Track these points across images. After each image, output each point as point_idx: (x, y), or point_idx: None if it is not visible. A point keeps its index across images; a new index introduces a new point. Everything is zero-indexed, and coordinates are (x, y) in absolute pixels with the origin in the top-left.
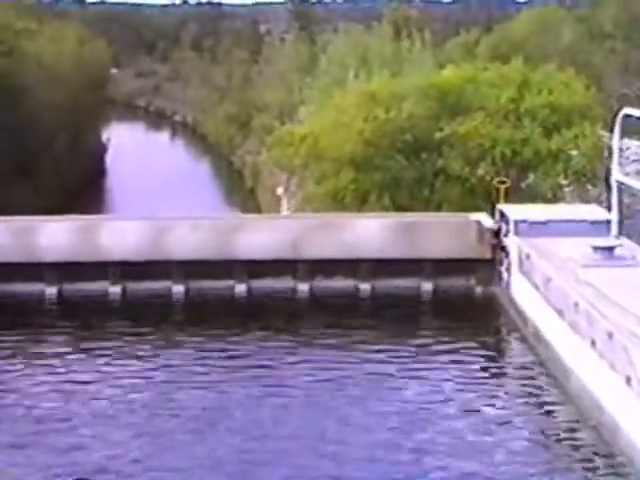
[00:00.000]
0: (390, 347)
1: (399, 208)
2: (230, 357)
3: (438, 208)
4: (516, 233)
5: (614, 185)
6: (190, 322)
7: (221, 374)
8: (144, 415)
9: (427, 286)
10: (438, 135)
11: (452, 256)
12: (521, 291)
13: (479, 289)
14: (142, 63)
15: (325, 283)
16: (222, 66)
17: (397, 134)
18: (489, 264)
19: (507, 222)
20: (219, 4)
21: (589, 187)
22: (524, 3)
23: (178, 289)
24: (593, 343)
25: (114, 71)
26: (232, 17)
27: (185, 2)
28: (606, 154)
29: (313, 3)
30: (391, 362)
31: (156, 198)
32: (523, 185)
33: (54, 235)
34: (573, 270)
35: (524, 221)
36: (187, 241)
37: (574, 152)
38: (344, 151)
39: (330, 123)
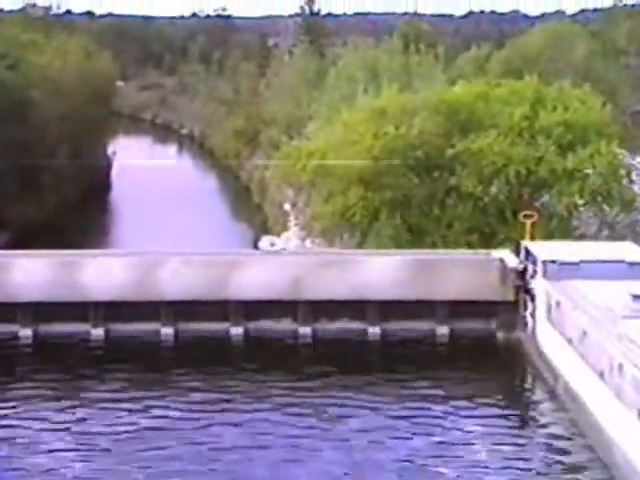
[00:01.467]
0: (396, 404)
1: (410, 227)
2: (222, 410)
3: (449, 227)
4: (544, 275)
5: None
6: (179, 368)
7: (206, 430)
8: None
9: (442, 330)
10: (450, 152)
11: (471, 297)
12: (550, 342)
13: (500, 334)
14: (149, 76)
15: (329, 326)
16: (230, 79)
17: (407, 151)
18: (512, 307)
19: (534, 262)
20: (228, 16)
21: (605, 207)
22: (536, 18)
23: (167, 332)
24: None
25: (120, 84)
26: (240, 30)
27: (194, 14)
28: (622, 172)
29: (323, 16)
30: (393, 428)
31: (161, 214)
32: (537, 204)
33: (31, 272)
34: (612, 323)
35: (553, 262)
36: (177, 279)
37: (589, 171)
38: (353, 168)
39: (338, 139)
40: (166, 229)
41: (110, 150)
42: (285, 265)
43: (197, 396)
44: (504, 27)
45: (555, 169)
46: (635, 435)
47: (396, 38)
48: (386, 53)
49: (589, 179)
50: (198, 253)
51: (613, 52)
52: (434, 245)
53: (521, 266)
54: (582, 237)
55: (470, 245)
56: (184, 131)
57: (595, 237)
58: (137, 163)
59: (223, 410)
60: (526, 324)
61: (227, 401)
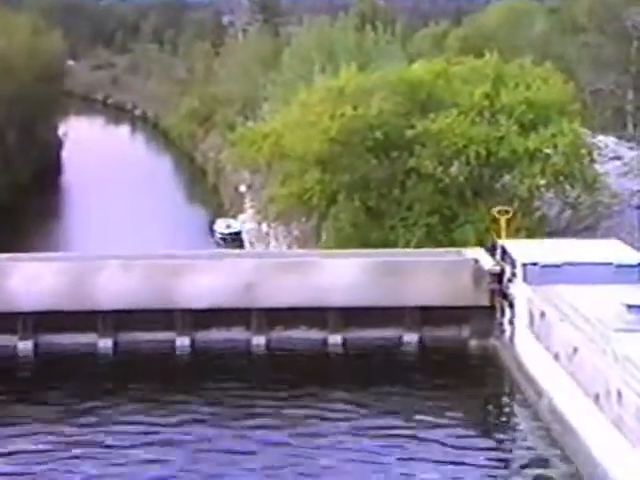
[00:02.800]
0: (359, 422)
1: (369, 209)
2: (159, 433)
3: (409, 209)
4: (525, 279)
5: None
6: (118, 383)
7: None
8: None
9: (410, 338)
10: (409, 133)
11: (441, 303)
12: (533, 355)
13: (474, 342)
14: (101, 55)
15: (285, 335)
16: (184, 58)
17: (366, 132)
18: (487, 313)
19: (512, 263)
20: None
21: (567, 187)
22: None
23: (105, 343)
24: None
25: (71, 63)
26: (194, 7)
27: None
28: (584, 152)
29: None
30: (354, 449)
31: (114, 196)
32: (498, 185)
33: None
34: (606, 338)
35: (534, 264)
36: (116, 286)
37: (550, 151)
38: (310, 150)
39: (295, 120)
40: (118, 212)
41: (61, 131)
42: (236, 269)
43: (139, 418)
44: (461, 3)
45: (516, 149)
46: (636, 470)
47: (352, 16)
48: (342, 31)
49: (551, 159)
50: (140, 256)
51: (572, 29)
52: (393, 228)
53: (497, 268)
54: (543, 218)
55: (430, 227)
56: (137, 111)
57: (557, 218)
58: (89, 144)
59: (147, 433)
60: (503, 331)
61: (163, 426)
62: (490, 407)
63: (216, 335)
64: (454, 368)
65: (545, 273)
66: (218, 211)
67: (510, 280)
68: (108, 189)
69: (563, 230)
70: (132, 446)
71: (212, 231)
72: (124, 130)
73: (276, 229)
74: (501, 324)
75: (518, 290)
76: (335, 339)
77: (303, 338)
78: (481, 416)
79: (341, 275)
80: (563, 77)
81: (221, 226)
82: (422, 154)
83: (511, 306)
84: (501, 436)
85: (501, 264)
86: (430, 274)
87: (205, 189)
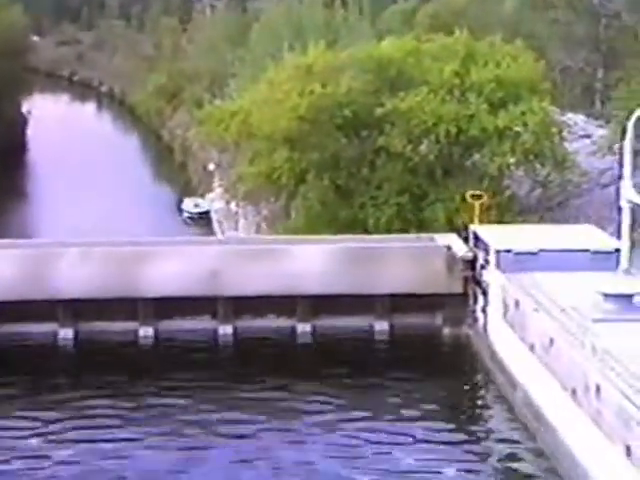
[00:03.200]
0: (328, 416)
1: (338, 188)
2: (121, 427)
3: (378, 188)
4: (498, 266)
5: (626, 207)
6: (79, 376)
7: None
8: None
9: (381, 326)
10: (379, 111)
11: (413, 290)
12: (507, 345)
13: (447, 330)
14: (66, 31)
15: (253, 324)
16: (150, 34)
17: (335, 110)
18: (460, 301)
19: (486, 249)
20: None
21: (537, 166)
22: None
23: (65, 334)
24: (628, 450)
25: (35, 39)
26: None
27: None
28: (554, 130)
29: None
30: (323, 443)
31: (80, 175)
32: (468, 164)
33: None
34: (583, 328)
35: (508, 251)
36: (75, 274)
37: (520, 129)
38: (278, 128)
39: (263, 98)
40: (84, 191)
41: (25, 108)
42: (201, 257)
43: (102, 412)
44: None
45: (486, 127)
46: (622, 476)
47: None
48: (310, 8)
49: (521, 137)
50: (100, 243)
51: (542, 6)
52: (363, 207)
53: (470, 254)
54: (513, 197)
55: (400, 206)
56: (104, 88)
57: (527, 197)
58: (55, 122)
59: (109, 426)
60: (476, 319)
61: (127, 420)
62: (463, 398)
63: (180, 325)
64: (426, 357)
65: (519, 260)
66: (186, 190)
67: (483, 267)
68: (74, 167)
69: (533, 208)
70: (92, 441)
71: (180, 210)
72: (90, 107)
73: (245, 208)
74: (474, 312)
75: (491, 277)
76: (304, 327)
77: (271, 327)
78: (454, 408)
79: (310, 262)
80: (533, 55)
81: (189, 205)
82: (391, 133)
83: (484, 294)
84: (475, 429)
85: (474, 250)
86: (401, 261)
87: (173, 167)
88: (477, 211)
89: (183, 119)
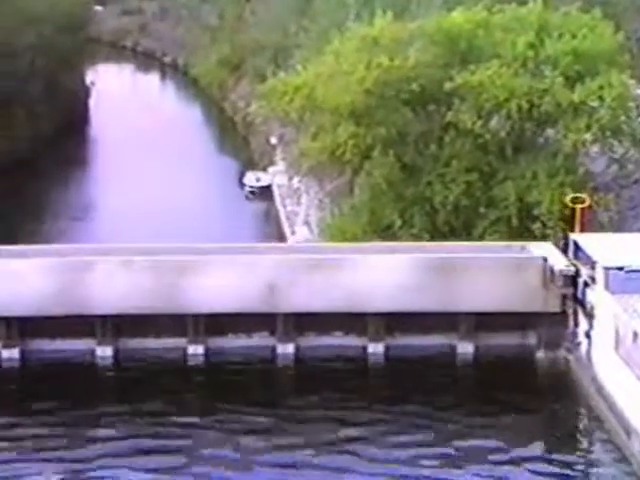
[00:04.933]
0: (404, 452)
1: (404, 165)
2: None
3: (446, 165)
4: (607, 286)
5: None
6: (118, 401)
7: None
8: None
9: (465, 347)
10: (448, 85)
11: (503, 308)
12: (618, 380)
13: (541, 354)
14: (129, 0)
15: (317, 342)
16: (214, 4)
17: (402, 84)
18: (557, 320)
19: (591, 264)
20: None
21: (614, 143)
22: None
23: (104, 352)
24: None
25: (98, 9)
26: None
27: None
28: (632, 105)
29: None
30: None
31: (142, 147)
32: (540, 140)
33: None
34: None
35: (620, 269)
36: (115, 286)
37: (595, 104)
38: (343, 102)
39: (328, 71)
40: (146, 163)
41: (88, 80)
42: (258, 268)
43: (138, 443)
44: None
45: (561, 103)
46: None
47: None
48: None
49: (597, 113)
50: (144, 251)
51: None
52: (430, 184)
53: (571, 269)
54: (588, 174)
55: (468, 184)
56: (167, 59)
57: (602, 174)
58: (117, 93)
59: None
60: (577, 344)
61: (177, 451)
62: (563, 437)
63: (235, 342)
64: (517, 384)
65: (633, 279)
66: (248, 163)
67: (587, 285)
68: (136, 140)
69: (608, 186)
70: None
71: (242, 184)
72: (153, 78)
73: (307, 184)
74: (574, 335)
75: (599, 298)
76: (376, 347)
77: (337, 346)
78: (552, 448)
79: (383, 274)
80: (611, 25)
81: (251, 179)
82: (461, 108)
83: (589, 316)
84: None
85: (575, 264)
86: (489, 273)
87: (235, 140)
88: (578, 217)
89: (246, 91)
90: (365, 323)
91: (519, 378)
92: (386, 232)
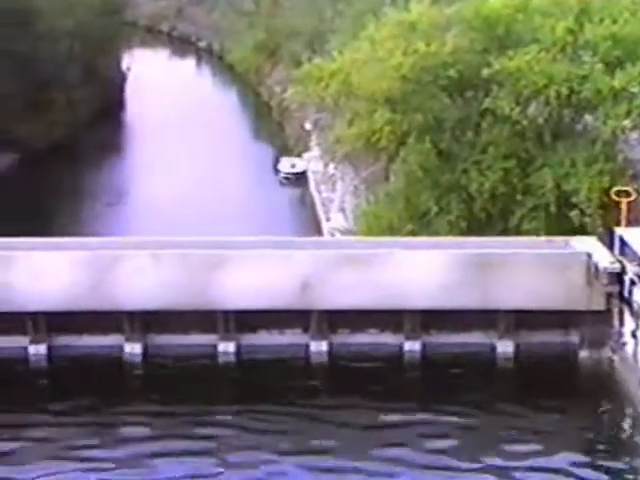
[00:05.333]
0: (444, 459)
1: (441, 152)
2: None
3: (483, 152)
4: None
5: None
6: (145, 397)
7: None
8: None
9: (505, 346)
10: (485, 71)
11: (544, 306)
12: None
13: (584, 353)
14: None
15: (351, 340)
16: None
17: (439, 70)
18: (601, 319)
19: (638, 261)
20: None
21: None
22: None
23: (133, 348)
24: None
25: None
26: None
27: None
28: None
29: None
30: None
31: (178, 132)
32: (579, 127)
33: None
34: None
35: None
36: (143, 281)
37: (636, 90)
38: (379, 88)
39: (364, 57)
40: (181, 149)
41: (124, 65)
42: (290, 263)
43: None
44: None
45: (600, 89)
46: None
47: None
48: None
49: (637, 99)
50: (173, 244)
51: None
52: (466, 172)
53: (617, 266)
54: (627, 162)
55: (506, 171)
56: (202, 44)
57: None
58: (153, 78)
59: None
60: (623, 344)
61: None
62: (608, 442)
63: (267, 339)
64: (559, 384)
65: None
66: (283, 149)
67: (634, 283)
68: (172, 125)
69: None
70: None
71: (276, 170)
72: (189, 63)
73: (342, 170)
74: (620, 335)
75: None
76: (412, 345)
77: (373, 344)
78: (596, 454)
79: (420, 270)
80: None
81: (285, 165)
82: (499, 94)
83: (635, 315)
84: None
85: (621, 260)
86: (530, 270)
87: (270, 126)
88: (624, 211)
89: (281, 76)
90: (401, 320)
91: (561, 378)
92: (422, 219)
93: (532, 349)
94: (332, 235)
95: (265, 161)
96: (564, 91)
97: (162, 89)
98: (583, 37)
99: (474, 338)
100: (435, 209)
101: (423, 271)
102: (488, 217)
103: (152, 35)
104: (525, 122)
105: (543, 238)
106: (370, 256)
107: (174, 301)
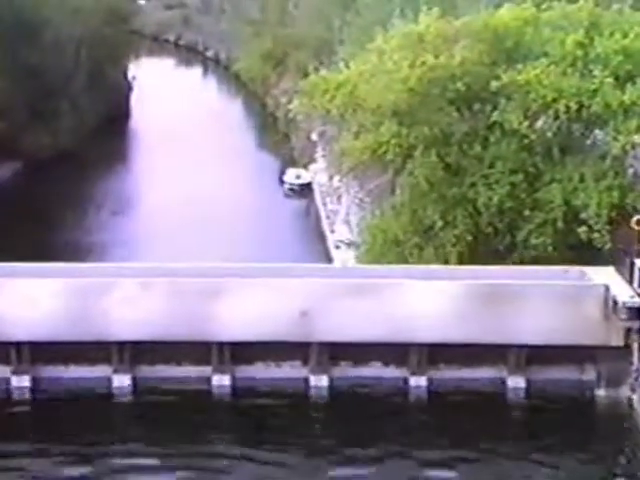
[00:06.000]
0: None
1: (448, 166)
2: None
3: (491, 166)
4: None
5: None
6: (135, 436)
7: None
8: None
9: (516, 382)
10: (494, 84)
11: (557, 340)
12: None
13: (601, 392)
14: None
15: (352, 373)
16: None
17: (447, 82)
18: (619, 354)
19: None
20: None
21: None
22: None
23: (121, 381)
24: None
25: (141, 2)
26: None
27: None
28: None
29: None
30: None
31: (183, 142)
32: (588, 142)
33: None
34: None
35: None
36: (133, 311)
37: None
38: (386, 101)
39: (371, 68)
40: (186, 159)
41: (130, 74)
42: (289, 292)
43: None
44: None
45: (610, 103)
46: None
47: None
48: None
49: None
50: (165, 271)
51: None
52: (473, 186)
53: (637, 300)
54: (637, 177)
55: (513, 186)
56: (209, 53)
57: None
58: (159, 87)
59: None
60: None
61: None
62: None
63: (264, 373)
64: (574, 424)
65: None
66: (289, 160)
67: None
68: (177, 134)
69: None
70: None
71: (281, 181)
72: (195, 72)
73: (348, 183)
74: (639, 372)
75: None
76: (418, 381)
77: (375, 378)
78: None
79: (426, 301)
80: None
81: (291, 176)
82: (507, 108)
83: None
84: None
85: None
86: (544, 302)
87: (276, 136)
88: None
89: (288, 87)
90: (407, 353)
91: (576, 418)
92: (427, 232)
93: (545, 386)
94: (337, 247)
95: (270, 172)
96: (573, 105)
97: (168, 98)
98: (593, 51)
99: (483, 373)
100: (440, 223)
101: (431, 302)
102: (495, 232)
103: (158, 44)
104: (533, 136)
105: (559, 268)
106: (374, 286)
107: (165, 332)
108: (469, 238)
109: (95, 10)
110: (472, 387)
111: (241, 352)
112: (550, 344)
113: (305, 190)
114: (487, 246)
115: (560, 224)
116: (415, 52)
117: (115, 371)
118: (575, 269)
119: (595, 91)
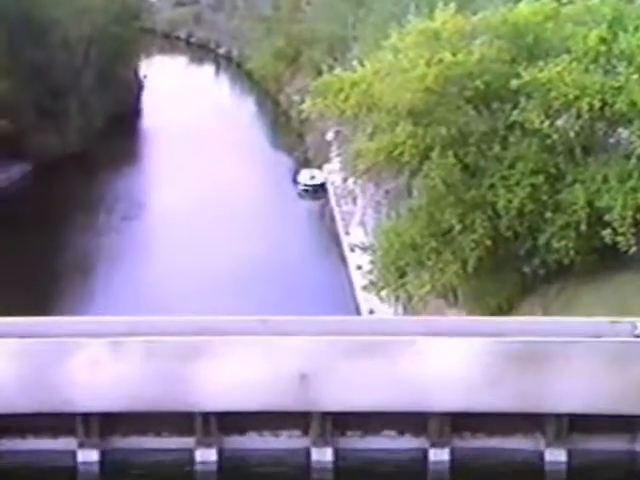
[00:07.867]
0: None
1: (466, 166)
2: None
3: (511, 167)
4: None
5: None
6: None
7: None
8: None
9: (555, 455)
10: (514, 82)
11: (602, 408)
12: None
13: None
14: None
15: (361, 445)
16: None
17: (465, 80)
18: None
19: None
20: None
21: None
22: None
23: (86, 455)
24: None
25: None
26: None
27: None
28: None
29: None
30: None
31: (194, 142)
32: (612, 141)
33: None
34: None
35: None
36: (100, 376)
37: None
38: (402, 100)
39: (386, 66)
40: (198, 159)
41: (141, 73)
42: (286, 351)
43: None
44: None
45: (636, 101)
46: None
47: None
48: None
49: None
50: (139, 326)
51: None
52: (492, 187)
53: None
54: None
55: (534, 187)
56: (221, 51)
57: None
58: (171, 86)
59: None
60: None
61: None
62: None
63: (257, 443)
64: None
65: None
66: (302, 160)
67: None
68: (189, 134)
69: None
70: None
71: (295, 182)
72: (207, 70)
73: (363, 185)
74: None
75: None
76: (438, 454)
77: (389, 449)
78: None
79: (448, 364)
80: None
81: (305, 177)
82: (527, 106)
83: None
84: None
85: None
86: (588, 362)
87: (289, 135)
88: None
89: (301, 85)
90: (425, 422)
91: None
92: (445, 236)
93: (589, 458)
94: (352, 250)
95: (283, 172)
96: (597, 103)
97: (179, 96)
98: (617, 46)
99: (516, 444)
100: (459, 227)
101: (452, 364)
102: (515, 236)
103: (170, 41)
104: (555, 136)
105: (604, 320)
106: (386, 344)
107: (137, 401)
108: (488, 242)
109: (105, 8)
110: (503, 460)
111: (229, 422)
112: (594, 413)
113: (319, 191)
114: (507, 250)
115: (583, 227)
116: (431, 49)
117: (80, 445)
118: (624, 321)
119: (619, 88)
